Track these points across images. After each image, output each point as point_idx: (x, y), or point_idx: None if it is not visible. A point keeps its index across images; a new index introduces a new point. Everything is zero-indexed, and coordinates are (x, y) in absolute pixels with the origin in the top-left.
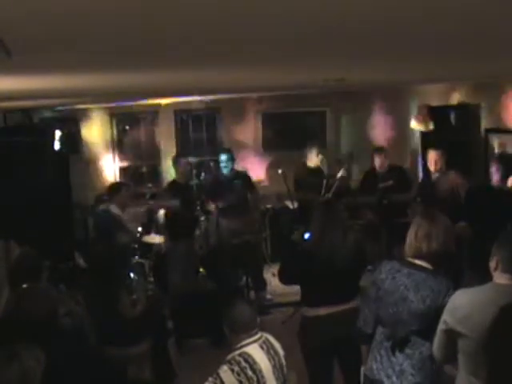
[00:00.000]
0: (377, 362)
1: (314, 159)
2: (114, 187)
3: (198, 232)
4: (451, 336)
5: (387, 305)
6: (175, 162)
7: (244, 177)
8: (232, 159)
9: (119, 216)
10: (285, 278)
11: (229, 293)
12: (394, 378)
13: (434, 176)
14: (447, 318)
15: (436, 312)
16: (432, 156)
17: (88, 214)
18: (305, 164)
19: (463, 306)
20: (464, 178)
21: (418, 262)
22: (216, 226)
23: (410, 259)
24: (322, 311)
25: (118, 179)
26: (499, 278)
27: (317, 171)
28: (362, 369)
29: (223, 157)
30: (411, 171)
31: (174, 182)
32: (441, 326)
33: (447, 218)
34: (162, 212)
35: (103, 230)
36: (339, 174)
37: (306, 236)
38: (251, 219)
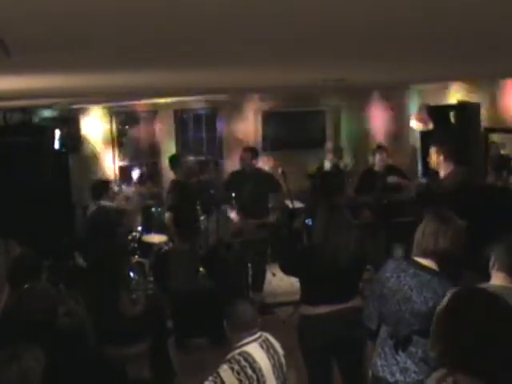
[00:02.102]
0: (381, 358)
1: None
2: (101, 186)
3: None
4: None
5: (390, 303)
6: (173, 161)
7: (268, 176)
8: (254, 157)
9: (114, 210)
10: (286, 267)
11: (229, 292)
12: (398, 375)
13: (442, 172)
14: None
15: None
16: (430, 152)
17: (85, 214)
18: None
19: None
20: (468, 177)
21: (424, 262)
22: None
23: (417, 259)
24: (323, 310)
25: (117, 178)
26: (495, 277)
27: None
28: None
29: (245, 154)
30: (411, 171)
31: (175, 181)
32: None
33: (458, 219)
34: (167, 211)
35: (103, 228)
36: None
37: (307, 221)
38: (269, 219)
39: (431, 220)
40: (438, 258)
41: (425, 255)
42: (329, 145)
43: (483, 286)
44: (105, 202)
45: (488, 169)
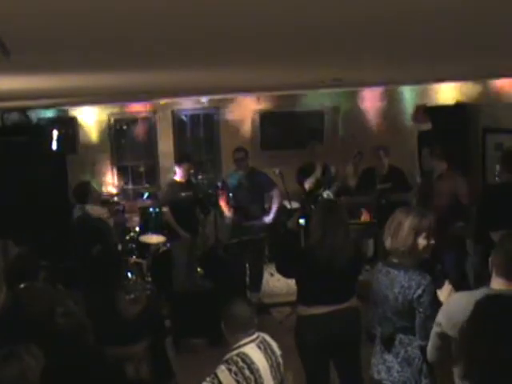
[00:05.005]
0: (373, 357)
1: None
2: (83, 188)
3: (200, 230)
4: (445, 339)
5: (376, 305)
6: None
7: (262, 175)
8: (247, 157)
9: (99, 215)
10: (283, 268)
11: (227, 292)
12: (383, 374)
13: (436, 173)
14: (441, 321)
15: (410, 307)
16: (424, 154)
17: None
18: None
19: (456, 309)
20: (462, 177)
21: (394, 259)
22: (231, 224)
23: (390, 257)
24: (319, 310)
25: (116, 179)
26: (494, 281)
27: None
28: None
29: (238, 154)
30: (409, 171)
31: (174, 181)
32: (435, 329)
33: (430, 216)
34: (165, 210)
35: (87, 236)
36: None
37: (301, 221)
38: (266, 219)
39: (392, 218)
40: (398, 255)
41: (391, 254)
42: (315, 147)
43: (482, 290)
44: (90, 208)
45: (497, 168)
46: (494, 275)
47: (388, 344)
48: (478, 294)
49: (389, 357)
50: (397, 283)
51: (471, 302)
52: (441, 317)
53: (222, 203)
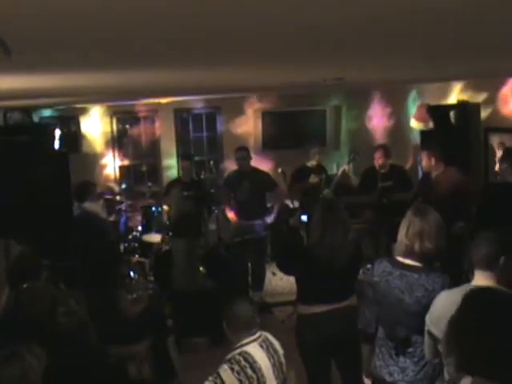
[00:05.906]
0: (379, 359)
1: (313, 159)
2: (83, 187)
3: (202, 229)
4: (433, 338)
5: (385, 307)
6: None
7: (264, 175)
8: (249, 157)
9: (99, 214)
10: (283, 265)
11: (229, 292)
12: (396, 375)
13: (434, 174)
14: (427, 319)
15: None
16: (422, 157)
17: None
18: (304, 164)
19: (438, 307)
20: (464, 175)
21: (408, 261)
22: (229, 223)
23: (401, 259)
24: (319, 309)
25: (117, 178)
26: (476, 277)
27: (316, 169)
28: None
29: (240, 154)
30: (412, 170)
31: (177, 180)
32: (425, 327)
33: (438, 214)
34: (165, 209)
35: (87, 235)
36: (340, 170)
37: (303, 218)
38: (268, 218)
39: (413, 219)
40: (422, 258)
41: (409, 256)
42: (314, 148)
43: (463, 287)
44: (89, 205)
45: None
46: (475, 271)
47: (404, 346)
48: (457, 291)
49: (401, 357)
50: (418, 287)
51: (449, 300)
52: (427, 314)
53: (224, 203)
